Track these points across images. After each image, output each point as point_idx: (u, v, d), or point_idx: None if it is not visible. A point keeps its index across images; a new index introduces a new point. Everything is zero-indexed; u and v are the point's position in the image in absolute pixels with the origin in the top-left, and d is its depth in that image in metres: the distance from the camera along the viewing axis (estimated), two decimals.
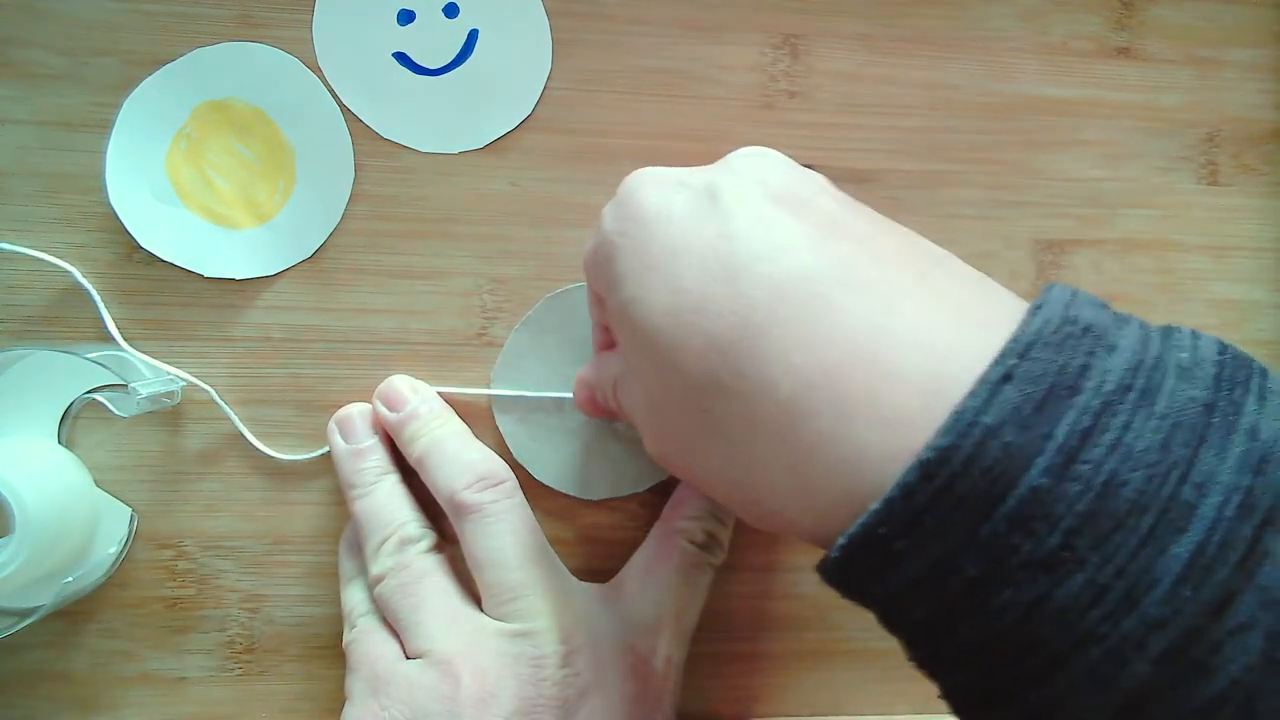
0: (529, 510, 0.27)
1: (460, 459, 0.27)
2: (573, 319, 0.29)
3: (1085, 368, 0.15)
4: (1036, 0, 0.31)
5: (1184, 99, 0.32)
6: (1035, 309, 0.16)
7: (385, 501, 0.27)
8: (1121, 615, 0.14)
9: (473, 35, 0.29)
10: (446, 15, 0.29)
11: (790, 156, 0.30)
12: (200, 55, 0.28)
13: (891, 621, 0.18)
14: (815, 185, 0.21)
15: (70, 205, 0.28)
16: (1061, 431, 0.14)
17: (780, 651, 0.31)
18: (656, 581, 0.27)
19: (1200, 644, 0.14)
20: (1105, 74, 0.31)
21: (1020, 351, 0.15)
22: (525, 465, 0.29)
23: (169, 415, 0.28)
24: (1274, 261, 0.32)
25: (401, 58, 0.29)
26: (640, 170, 0.22)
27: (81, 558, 0.27)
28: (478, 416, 0.29)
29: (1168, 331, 0.17)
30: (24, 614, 0.25)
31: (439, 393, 0.29)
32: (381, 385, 0.28)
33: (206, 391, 0.28)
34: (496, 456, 0.27)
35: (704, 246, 0.19)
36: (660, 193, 0.21)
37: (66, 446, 0.28)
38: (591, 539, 0.30)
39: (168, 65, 0.28)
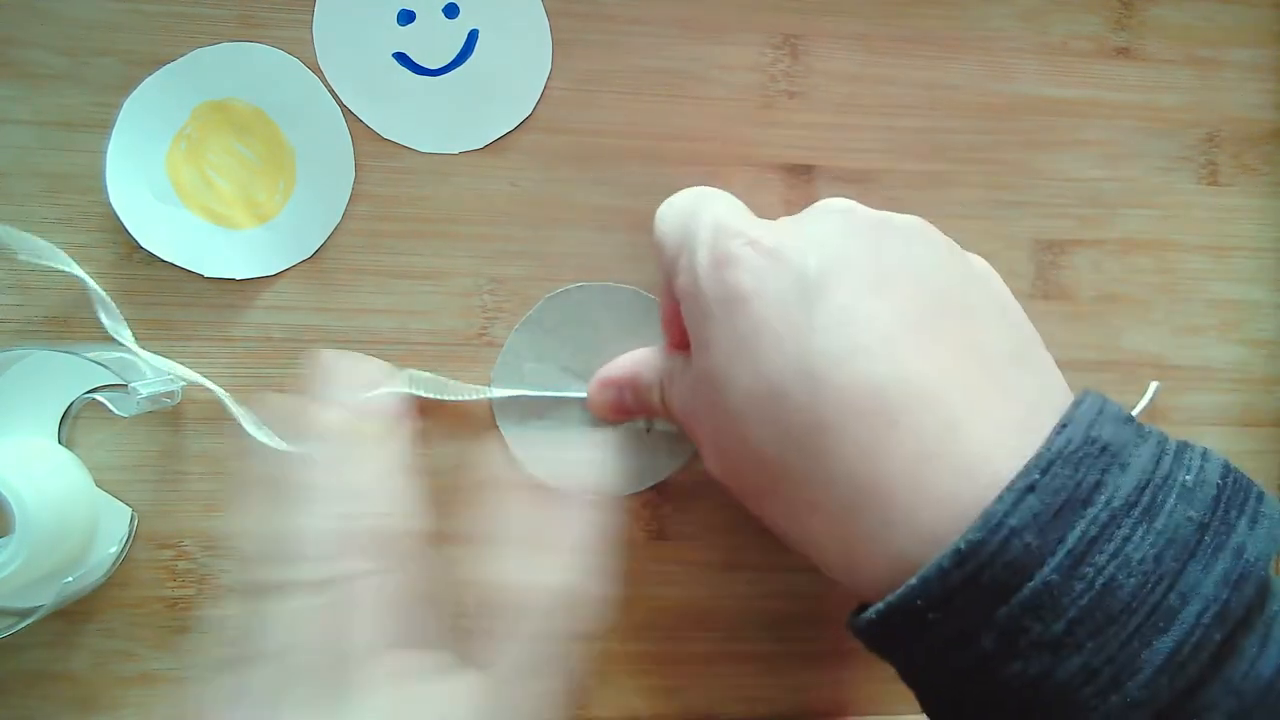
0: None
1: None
2: (573, 319, 0.29)
3: (1098, 484, 0.18)
4: (1036, 0, 0.31)
5: (1184, 99, 0.32)
6: (1061, 427, 0.19)
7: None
8: (1109, 693, 0.17)
9: (473, 35, 0.29)
10: (446, 15, 0.29)
11: (791, 157, 0.30)
12: (200, 55, 0.28)
13: (912, 678, 0.21)
14: (902, 258, 0.21)
15: (70, 205, 0.28)
16: (1072, 538, 0.17)
17: (780, 651, 0.31)
18: None
19: None
20: (1105, 74, 0.31)
21: (1043, 467, 0.18)
22: (526, 465, 0.29)
23: (169, 415, 0.28)
24: (1274, 261, 0.32)
25: (401, 58, 0.29)
26: (736, 228, 0.22)
27: (81, 558, 0.27)
28: (479, 418, 0.29)
29: (1181, 449, 0.19)
30: (24, 614, 0.25)
31: (442, 399, 0.28)
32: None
33: (212, 390, 0.28)
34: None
35: (791, 338, 0.20)
36: (758, 265, 0.21)
37: (66, 446, 0.28)
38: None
39: (168, 65, 0.28)
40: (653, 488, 0.30)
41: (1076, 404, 0.19)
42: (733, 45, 0.30)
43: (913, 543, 0.19)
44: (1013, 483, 0.18)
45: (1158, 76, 0.32)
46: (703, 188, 0.25)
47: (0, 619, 0.25)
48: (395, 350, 0.29)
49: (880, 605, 0.19)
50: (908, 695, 0.31)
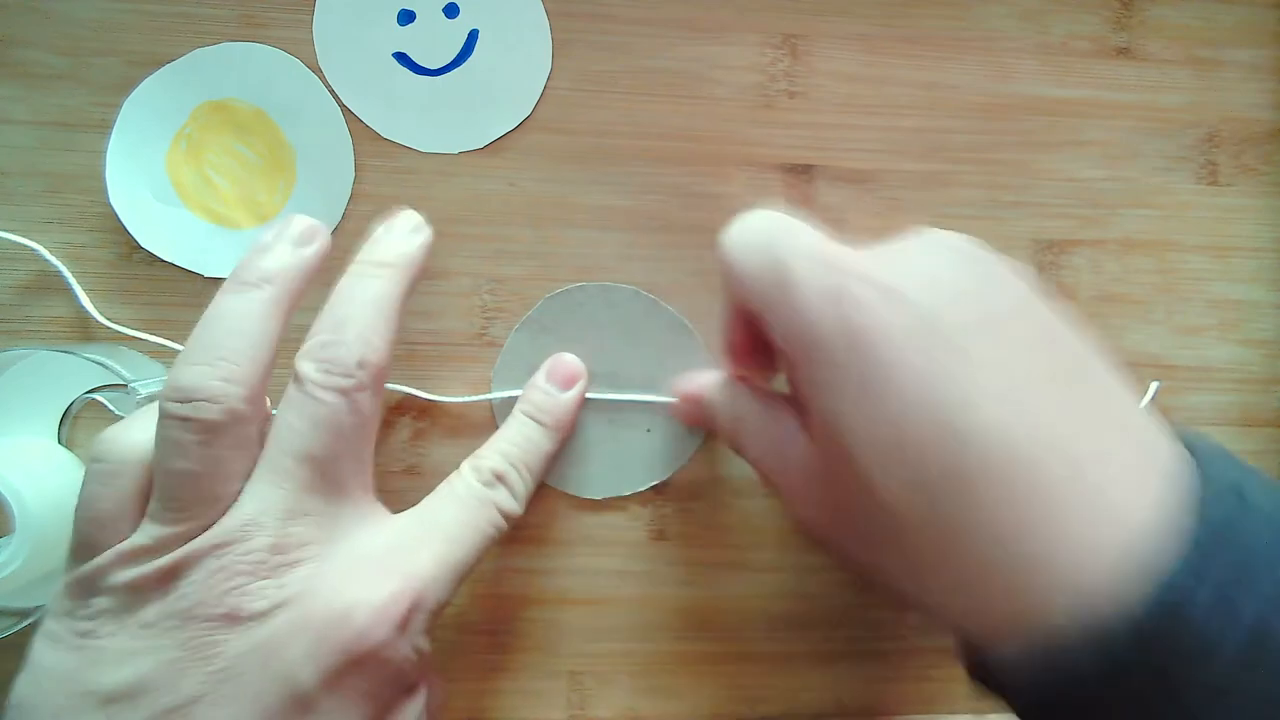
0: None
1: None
2: (573, 319, 0.29)
3: (1252, 548, 0.17)
4: (1036, 0, 0.31)
5: (1183, 99, 0.32)
6: (1208, 480, 0.18)
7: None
8: None
9: (473, 35, 0.29)
10: (447, 15, 0.29)
11: (791, 157, 0.30)
12: (201, 55, 0.28)
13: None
14: (1012, 296, 0.21)
15: (70, 205, 0.28)
16: (1248, 617, 0.16)
17: (781, 651, 0.31)
18: (418, 513, 0.24)
19: None
20: (1105, 74, 0.31)
21: (1212, 538, 0.17)
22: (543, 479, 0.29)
23: None
24: (1274, 261, 0.32)
25: (402, 58, 0.29)
26: (843, 262, 0.21)
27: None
28: (481, 420, 0.29)
29: (1267, 483, 0.19)
30: (24, 614, 0.25)
31: (442, 402, 0.29)
32: None
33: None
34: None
35: (919, 383, 0.19)
36: (877, 302, 0.20)
37: (66, 446, 0.28)
38: (591, 539, 0.30)
39: (168, 65, 0.28)
40: (653, 487, 0.30)
41: (1192, 445, 0.19)
42: (733, 45, 0.30)
43: (1062, 594, 0.18)
44: (1184, 553, 0.17)
45: (1158, 76, 0.32)
46: (774, 212, 0.23)
47: (0, 619, 0.25)
48: (394, 350, 0.29)
49: (1044, 676, 0.18)
50: (911, 695, 0.31)
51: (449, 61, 0.29)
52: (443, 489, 0.25)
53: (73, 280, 0.27)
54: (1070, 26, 0.31)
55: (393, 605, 0.21)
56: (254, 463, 0.22)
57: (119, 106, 0.28)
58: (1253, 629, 0.16)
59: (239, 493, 0.22)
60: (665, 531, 0.30)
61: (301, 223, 0.24)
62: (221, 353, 0.22)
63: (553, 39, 0.29)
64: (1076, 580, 0.17)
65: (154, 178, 0.28)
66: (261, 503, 0.21)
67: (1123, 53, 0.32)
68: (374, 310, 0.24)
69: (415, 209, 0.29)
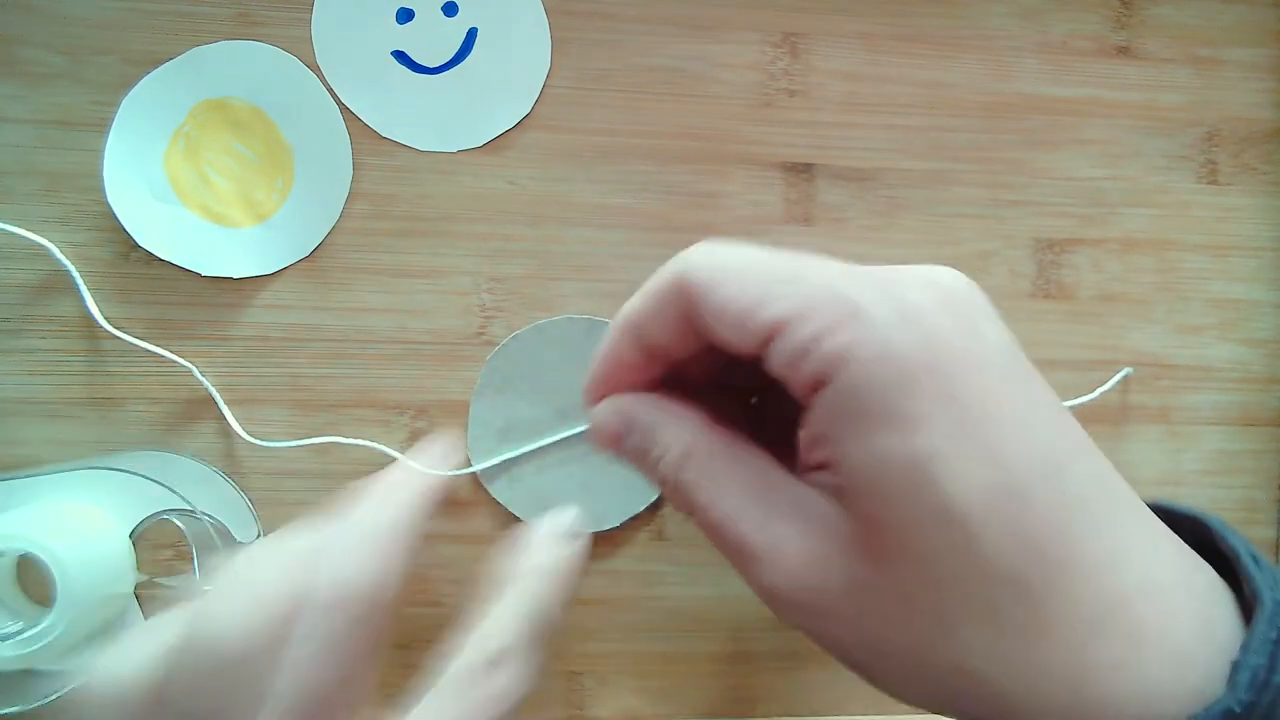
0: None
1: None
2: (521, 369, 0.29)
3: None
4: None
5: (1183, 98, 0.32)
6: (1255, 559, 0.17)
7: None
8: None
9: (472, 34, 0.29)
10: (445, 14, 0.29)
11: (790, 155, 0.30)
12: (199, 54, 0.28)
13: None
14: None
15: (69, 204, 0.28)
16: None
17: (780, 651, 0.30)
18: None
19: None
20: (1105, 73, 0.31)
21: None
22: (527, 519, 0.29)
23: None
24: (1273, 261, 0.32)
25: (400, 56, 0.29)
26: (882, 279, 0.17)
27: (122, 619, 0.27)
28: (471, 491, 0.29)
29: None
30: (63, 677, 0.26)
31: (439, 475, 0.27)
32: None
33: (189, 369, 0.28)
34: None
35: (1022, 422, 0.16)
36: (958, 325, 0.17)
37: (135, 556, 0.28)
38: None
39: (166, 64, 0.28)
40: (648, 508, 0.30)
41: (1219, 529, 0.18)
42: (733, 44, 0.30)
43: (1163, 667, 0.16)
44: (1264, 632, 0.16)
45: (1158, 76, 0.32)
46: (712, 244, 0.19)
47: (45, 682, 0.26)
48: (393, 349, 0.29)
49: None
50: None
51: (448, 60, 0.29)
52: (444, 688, 0.22)
53: (81, 281, 0.27)
54: (1070, 25, 0.31)
55: None
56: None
57: (117, 105, 0.28)
58: None
59: None
60: (665, 531, 0.30)
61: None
62: (242, 594, 0.20)
63: (552, 37, 0.29)
64: (1188, 652, 0.16)
65: (152, 176, 0.28)
66: None
67: (1123, 52, 0.32)
68: (388, 535, 0.21)
69: (413, 207, 0.29)
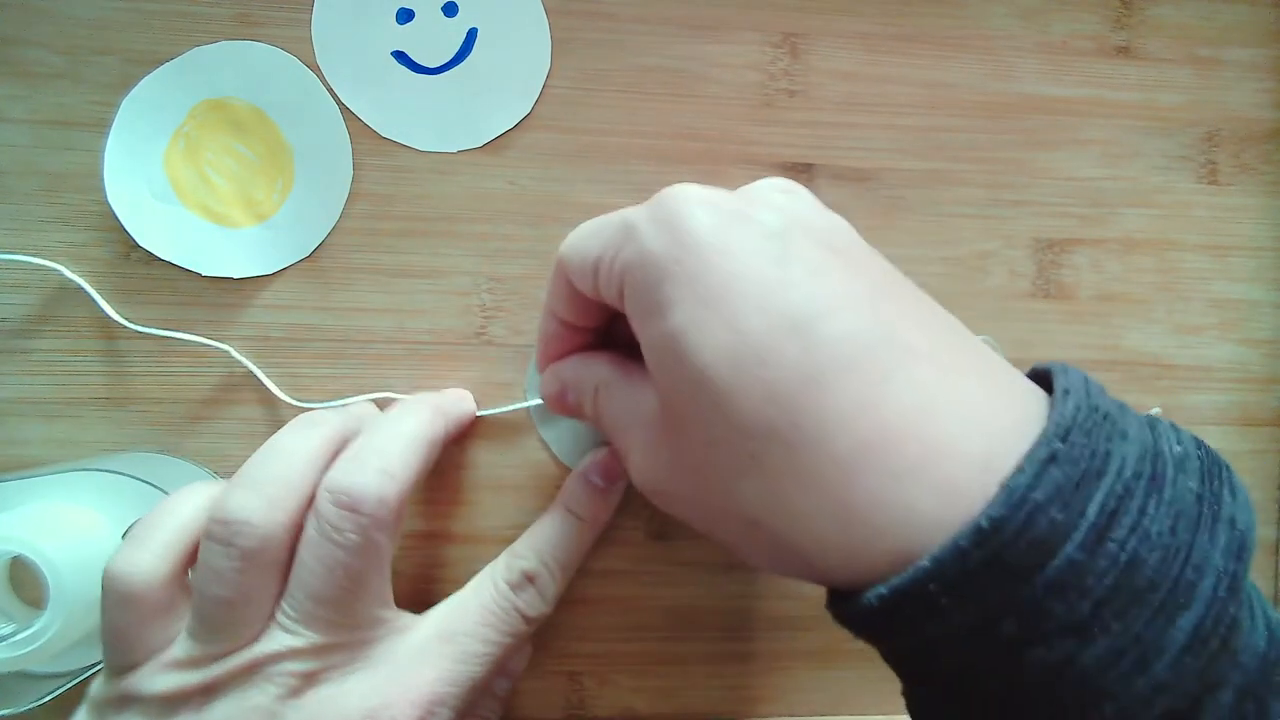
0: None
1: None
2: None
3: (1108, 454, 0.17)
4: None
5: (1183, 98, 0.32)
6: (1065, 393, 0.18)
7: None
8: (1135, 676, 0.16)
9: (472, 34, 0.29)
10: (446, 14, 0.29)
11: (790, 156, 0.30)
12: (199, 54, 0.28)
13: (908, 667, 0.19)
14: (849, 234, 0.21)
15: (68, 204, 0.28)
16: (1093, 511, 0.16)
17: (780, 651, 0.30)
18: (448, 621, 0.25)
19: (1194, 704, 0.16)
20: (1105, 73, 0.31)
21: (1061, 435, 0.17)
22: (571, 465, 0.29)
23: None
24: (1273, 261, 0.32)
25: (400, 56, 0.29)
26: (682, 187, 0.20)
27: None
28: (520, 428, 0.30)
29: (1153, 420, 0.19)
30: (57, 678, 0.26)
31: (481, 415, 0.29)
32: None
33: (226, 351, 0.28)
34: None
35: (767, 291, 0.18)
36: (716, 222, 0.19)
37: None
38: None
39: (166, 64, 0.28)
40: None
41: (1062, 373, 0.19)
42: (732, 44, 0.30)
43: (928, 495, 0.17)
44: (1032, 451, 0.17)
45: (1157, 75, 0.32)
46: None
47: (41, 684, 0.26)
48: (393, 349, 0.29)
49: (884, 589, 0.17)
50: None
51: (448, 60, 0.29)
52: (470, 591, 0.26)
53: (95, 293, 0.27)
54: (1070, 25, 0.31)
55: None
56: (285, 584, 0.23)
57: (117, 105, 0.28)
58: (1098, 523, 0.16)
59: (273, 613, 0.23)
60: (665, 531, 0.30)
61: (365, 406, 0.27)
62: (267, 480, 0.23)
63: (552, 37, 0.29)
64: (947, 481, 0.17)
65: (152, 176, 0.28)
66: (291, 639, 0.22)
67: (1123, 52, 0.32)
68: (405, 444, 0.24)
69: (413, 207, 0.29)
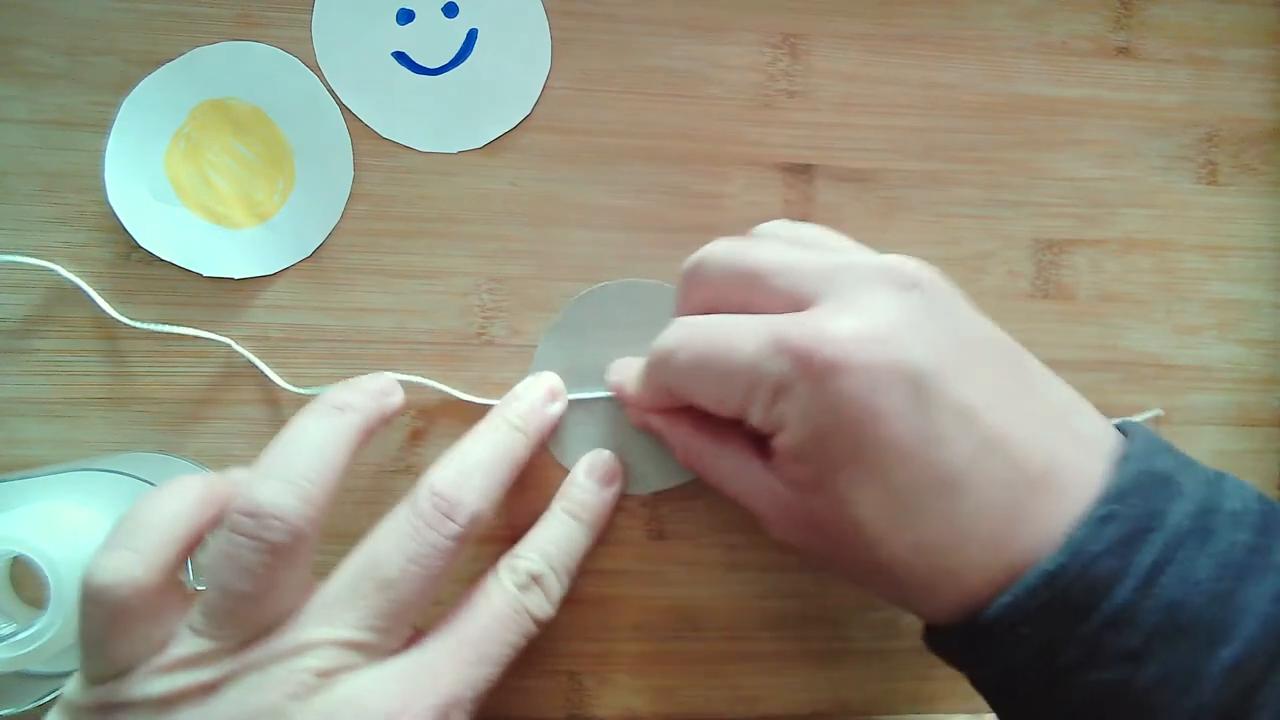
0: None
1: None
2: (598, 320, 0.29)
3: (1163, 513, 0.20)
4: (1035, 0, 0.31)
5: (1183, 98, 0.32)
6: (1125, 459, 0.21)
7: None
8: (1182, 698, 0.19)
9: (472, 35, 0.29)
10: (446, 15, 0.29)
11: (790, 156, 0.30)
12: (199, 54, 0.28)
13: (992, 688, 0.23)
14: (971, 318, 0.23)
15: (69, 204, 0.28)
16: (1145, 561, 0.20)
17: (780, 651, 0.30)
18: (451, 626, 0.25)
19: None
20: (1104, 73, 0.31)
21: (1117, 498, 0.20)
22: (563, 460, 0.29)
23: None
24: (1272, 261, 0.32)
25: (401, 57, 0.29)
26: (818, 324, 0.21)
27: None
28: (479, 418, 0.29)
29: (1218, 478, 0.22)
30: (55, 678, 0.25)
31: (481, 403, 0.29)
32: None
33: (227, 344, 0.28)
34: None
35: (916, 455, 0.21)
36: (869, 388, 0.21)
37: None
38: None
39: (167, 64, 0.28)
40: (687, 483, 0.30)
41: (1132, 440, 0.22)
42: (732, 44, 0.30)
43: (1024, 547, 0.21)
44: (1091, 512, 0.20)
45: (1157, 76, 0.32)
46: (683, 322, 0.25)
47: (39, 684, 0.25)
48: (394, 350, 0.29)
49: (972, 621, 0.21)
50: (909, 695, 0.31)
51: (448, 61, 0.29)
52: (479, 596, 0.25)
53: (94, 294, 0.27)
54: (1070, 26, 0.31)
55: None
56: (304, 580, 0.23)
57: (118, 105, 0.28)
58: (1149, 570, 0.19)
59: (289, 610, 0.22)
60: (665, 531, 0.30)
61: (382, 381, 0.26)
62: (299, 472, 0.22)
63: (552, 38, 0.29)
64: (1032, 549, 0.20)
65: (153, 177, 0.28)
66: (325, 629, 0.22)
67: (1122, 52, 0.32)
68: (502, 468, 0.25)
69: (414, 208, 0.29)
